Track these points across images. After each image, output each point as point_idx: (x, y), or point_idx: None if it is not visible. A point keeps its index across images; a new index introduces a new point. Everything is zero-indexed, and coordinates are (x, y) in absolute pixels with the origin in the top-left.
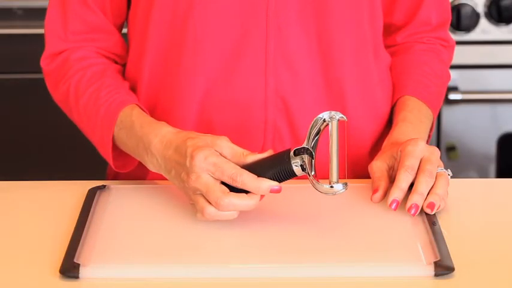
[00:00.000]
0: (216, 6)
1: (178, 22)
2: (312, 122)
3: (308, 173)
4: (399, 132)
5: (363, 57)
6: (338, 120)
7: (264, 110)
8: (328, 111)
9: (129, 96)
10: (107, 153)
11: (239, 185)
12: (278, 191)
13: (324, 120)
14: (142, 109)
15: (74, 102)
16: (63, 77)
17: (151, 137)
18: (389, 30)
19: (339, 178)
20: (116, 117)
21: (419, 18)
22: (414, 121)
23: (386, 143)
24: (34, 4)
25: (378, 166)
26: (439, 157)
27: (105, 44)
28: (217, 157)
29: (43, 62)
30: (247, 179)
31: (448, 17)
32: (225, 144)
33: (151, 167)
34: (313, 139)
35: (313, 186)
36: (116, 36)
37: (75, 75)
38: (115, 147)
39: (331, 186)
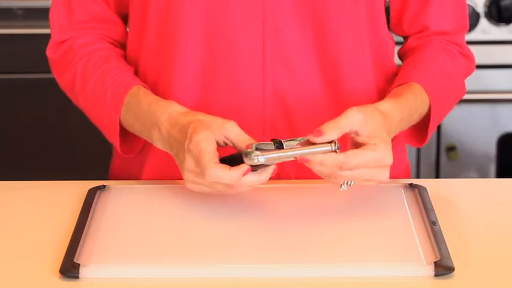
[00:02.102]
0: None
1: (171, 21)
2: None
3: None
4: (392, 106)
5: (361, 56)
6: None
7: (262, 110)
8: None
9: (134, 79)
10: (113, 136)
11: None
12: (248, 171)
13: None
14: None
15: (81, 88)
16: (68, 64)
17: (160, 114)
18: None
19: None
20: (123, 99)
21: (432, 29)
22: (406, 109)
23: (377, 108)
24: (34, 4)
25: (354, 120)
26: (381, 176)
27: (109, 32)
28: (208, 144)
29: (49, 51)
30: (219, 173)
31: (465, 25)
32: (232, 128)
33: (158, 144)
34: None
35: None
36: (119, 26)
37: (80, 61)
38: (121, 132)
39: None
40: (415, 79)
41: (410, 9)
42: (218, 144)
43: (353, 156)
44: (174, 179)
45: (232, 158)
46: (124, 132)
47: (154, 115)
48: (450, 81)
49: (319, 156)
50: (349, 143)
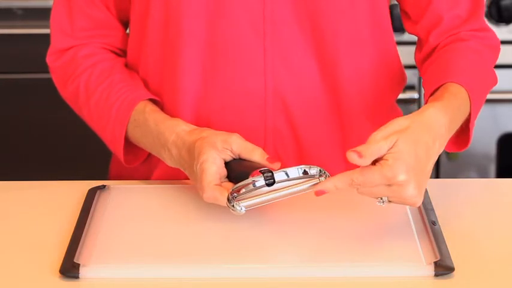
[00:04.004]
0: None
1: (172, 25)
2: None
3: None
4: (432, 115)
5: (361, 56)
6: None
7: (263, 111)
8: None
9: (139, 91)
10: (118, 151)
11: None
12: None
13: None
14: (155, 100)
15: (84, 101)
16: (71, 75)
17: (168, 135)
18: (422, 39)
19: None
20: (128, 116)
21: (446, 16)
22: (450, 109)
23: (414, 119)
24: (34, 4)
25: (380, 148)
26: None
27: (110, 40)
28: (210, 164)
29: (49, 58)
30: (216, 195)
31: (480, 5)
32: (234, 141)
33: (169, 162)
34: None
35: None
36: (121, 32)
37: (83, 73)
38: (126, 144)
39: (233, 205)
40: (447, 79)
41: (421, 2)
42: (225, 160)
43: (359, 174)
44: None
45: (241, 174)
46: (128, 144)
47: (163, 135)
48: (482, 73)
49: (331, 181)
50: None
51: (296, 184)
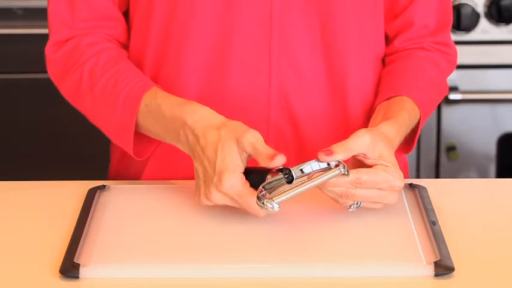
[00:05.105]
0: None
1: (179, 21)
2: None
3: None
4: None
5: (366, 56)
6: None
7: (266, 110)
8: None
9: (148, 80)
10: (126, 140)
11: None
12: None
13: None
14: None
15: (88, 89)
16: (74, 64)
17: (188, 117)
18: (388, 37)
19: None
20: (139, 102)
21: (417, 23)
22: (403, 127)
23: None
24: (34, 4)
25: (362, 142)
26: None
27: (112, 31)
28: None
29: (48, 50)
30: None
31: (449, 21)
32: (248, 143)
33: (182, 146)
34: (303, 171)
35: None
36: (123, 23)
37: (88, 61)
38: (134, 134)
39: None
40: (405, 93)
41: (398, 5)
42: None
43: (364, 173)
44: (173, 179)
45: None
46: (135, 136)
47: (180, 119)
48: (437, 90)
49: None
50: (355, 165)
51: (317, 176)
